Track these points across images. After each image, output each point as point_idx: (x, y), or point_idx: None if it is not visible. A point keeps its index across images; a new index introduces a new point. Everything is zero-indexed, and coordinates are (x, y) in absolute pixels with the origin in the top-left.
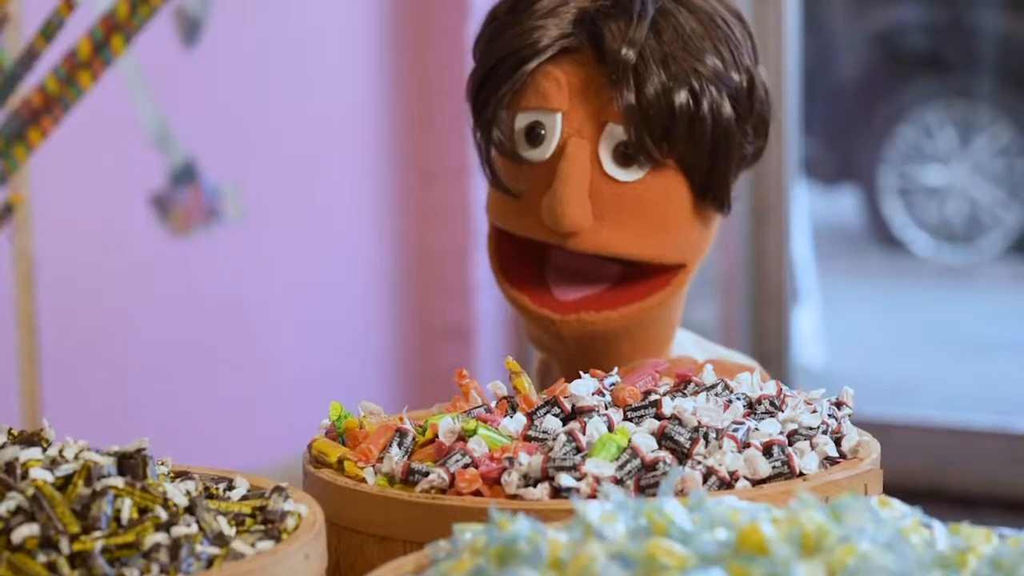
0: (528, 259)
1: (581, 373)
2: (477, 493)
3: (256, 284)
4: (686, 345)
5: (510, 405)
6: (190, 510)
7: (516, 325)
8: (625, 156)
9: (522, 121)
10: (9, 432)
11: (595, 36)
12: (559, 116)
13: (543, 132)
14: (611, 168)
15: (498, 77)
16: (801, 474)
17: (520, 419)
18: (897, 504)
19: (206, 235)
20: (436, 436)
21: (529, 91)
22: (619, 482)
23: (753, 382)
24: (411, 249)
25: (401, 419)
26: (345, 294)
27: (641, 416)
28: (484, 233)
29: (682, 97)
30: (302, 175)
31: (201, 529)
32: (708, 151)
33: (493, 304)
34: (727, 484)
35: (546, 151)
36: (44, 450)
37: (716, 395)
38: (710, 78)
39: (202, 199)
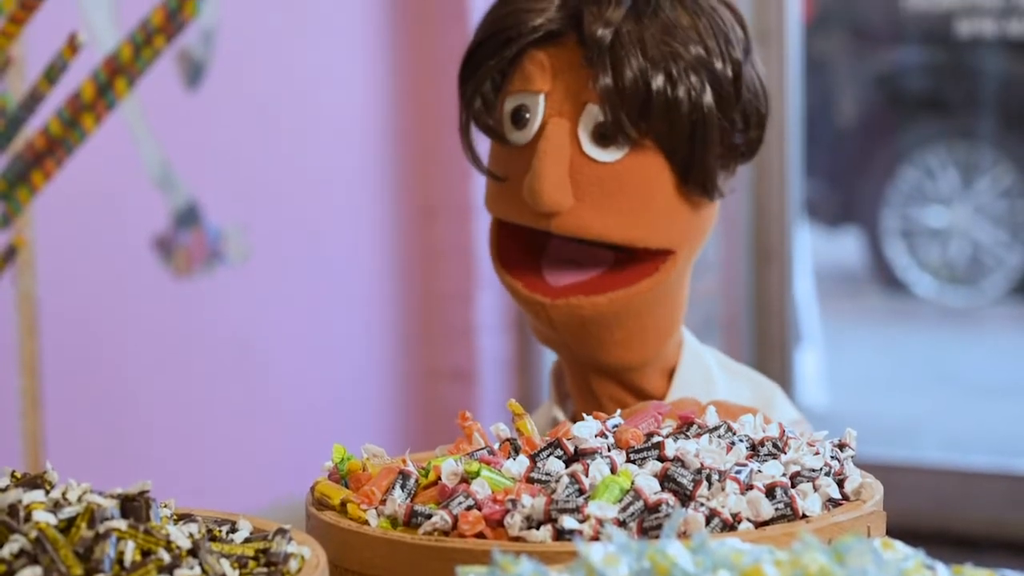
0: (526, 248)
1: (585, 416)
2: (480, 535)
3: (259, 325)
4: (709, 363)
5: (513, 447)
6: (193, 552)
7: (520, 366)
8: (603, 136)
9: (509, 104)
10: (12, 474)
11: (576, 19)
12: (542, 97)
13: (527, 115)
14: (590, 148)
15: (481, 56)
16: (804, 516)
17: (523, 461)
18: (900, 546)
19: (209, 276)
20: (439, 478)
21: (515, 74)
22: (622, 524)
23: (756, 424)
24: (414, 291)
25: (404, 461)
26: (348, 336)
27: (644, 458)
28: (487, 275)
29: (659, 80)
30: (305, 217)
31: (204, 571)
32: (686, 134)
33: (496, 346)
34: (730, 526)
35: (529, 133)
36: (47, 492)
37: (719, 437)
38: (690, 64)
39: (205, 241)
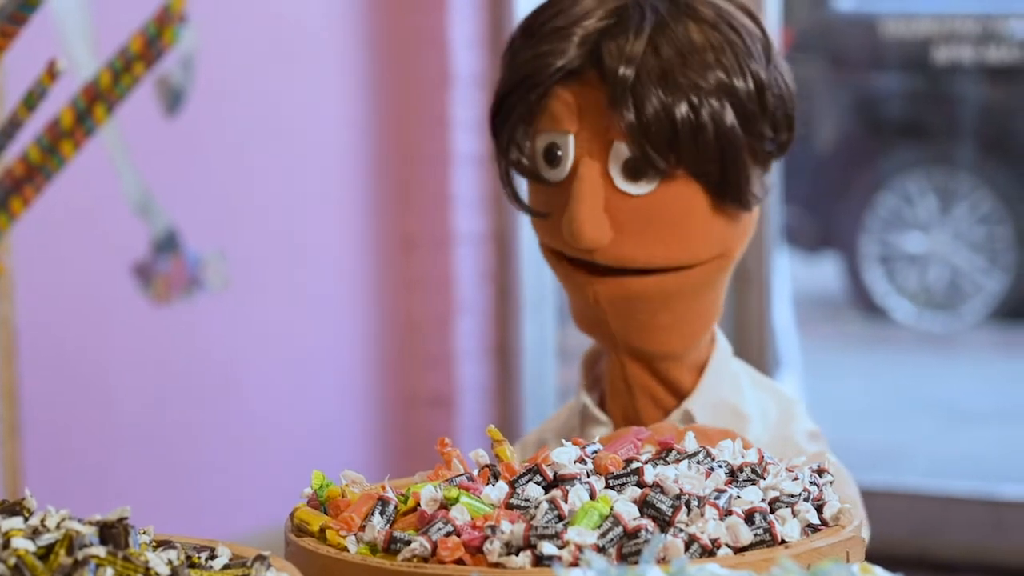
0: None
1: (565, 442)
2: (459, 561)
3: (238, 353)
4: (736, 369)
5: (492, 473)
6: None
7: (499, 392)
8: (634, 171)
9: (540, 143)
10: None
11: (596, 55)
12: (571, 137)
13: (559, 153)
14: (622, 184)
15: (511, 103)
16: (783, 541)
17: (502, 487)
18: (879, 571)
19: (188, 304)
20: (418, 504)
21: (543, 114)
22: (601, 550)
23: (735, 450)
24: (394, 318)
25: (383, 487)
26: (327, 363)
27: (623, 484)
28: (465, 302)
29: (682, 110)
30: (285, 244)
31: None
32: (715, 158)
33: (475, 372)
34: (709, 552)
35: (563, 171)
36: (26, 519)
37: (698, 463)
38: (710, 91)
39: (184, 268)
